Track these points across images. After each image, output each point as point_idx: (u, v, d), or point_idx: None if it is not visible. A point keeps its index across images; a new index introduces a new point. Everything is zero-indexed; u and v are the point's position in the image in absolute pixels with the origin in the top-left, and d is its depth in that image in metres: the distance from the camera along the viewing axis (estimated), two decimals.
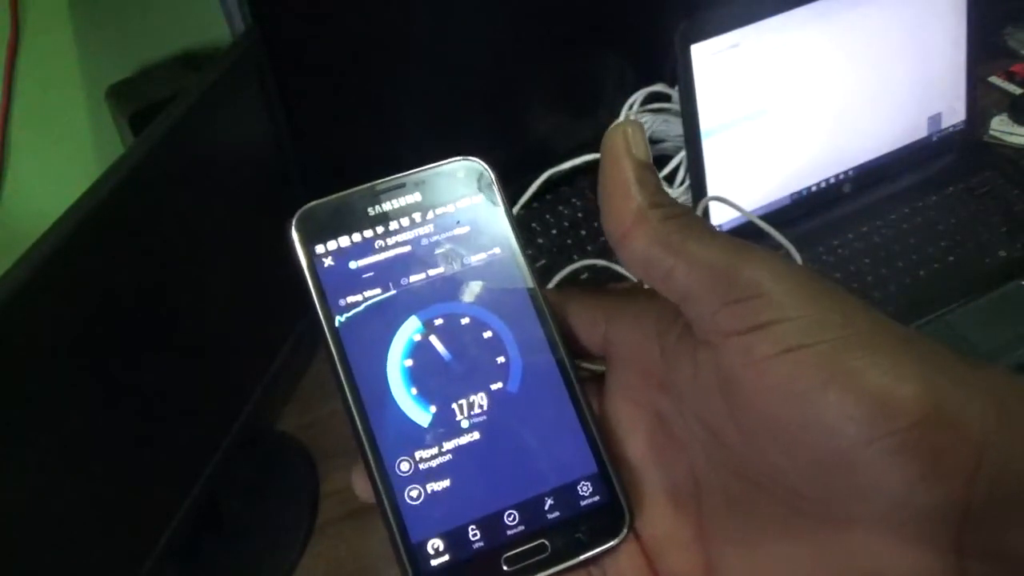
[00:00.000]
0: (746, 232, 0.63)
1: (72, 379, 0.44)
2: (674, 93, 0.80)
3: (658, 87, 0.81)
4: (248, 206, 0.59)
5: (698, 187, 0.71)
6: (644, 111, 0.81)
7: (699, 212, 0.68)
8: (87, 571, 0.48)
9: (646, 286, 0.24)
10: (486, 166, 0.27)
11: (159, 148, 0.48)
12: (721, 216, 0.71)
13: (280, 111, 0.61)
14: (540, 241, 0.78)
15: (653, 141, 0.82)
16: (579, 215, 0.80)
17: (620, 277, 0.72)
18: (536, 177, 0.78)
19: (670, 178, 0.78)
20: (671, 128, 0.81)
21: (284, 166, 0.62)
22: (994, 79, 0.90)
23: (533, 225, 0.80)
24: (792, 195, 0.75)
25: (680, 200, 0.74)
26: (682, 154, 0.76)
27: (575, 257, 0.76)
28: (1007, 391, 0.19)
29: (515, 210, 0.79)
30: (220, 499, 0.63)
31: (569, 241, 0.78)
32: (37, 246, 0.41)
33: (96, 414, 0.46)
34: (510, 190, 0.78)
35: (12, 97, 0.69)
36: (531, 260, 0.27)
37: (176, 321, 0.52)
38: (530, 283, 0.26)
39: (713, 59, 0.68)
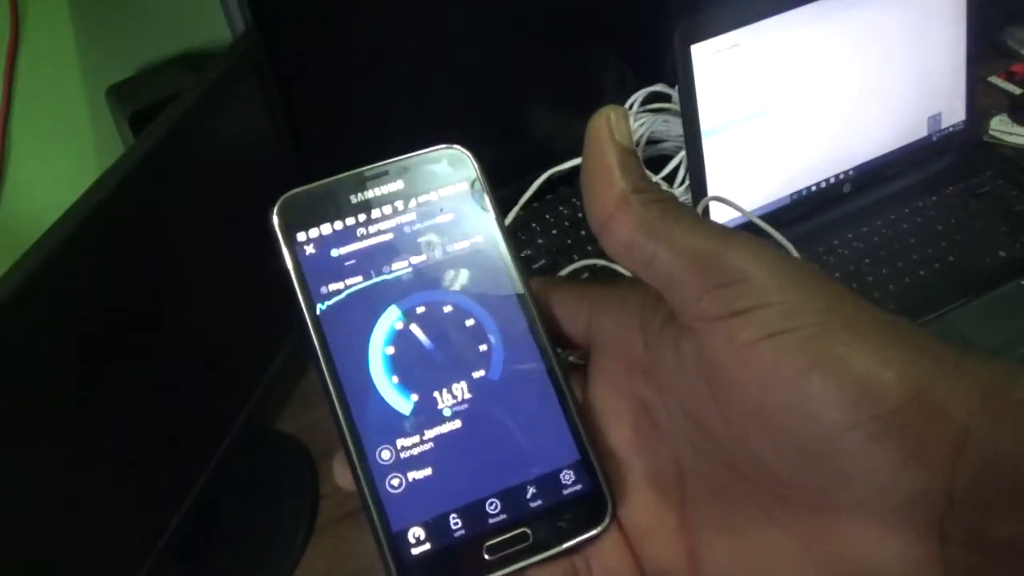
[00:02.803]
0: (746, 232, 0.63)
1: (72, 379, 0.44)
2: (674, 93, 0.80)
3: (658, 87, 0.81)
4: (248, 205, 0.59)
5: (698, 187, 0.71)
6: (644, 111, 0.81)
7: (699, 212, 0.68)
8: (87, 571, 0.48)
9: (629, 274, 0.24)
10: (470, 154, 0.27)
11: (159, 148, 0.48)
12: (721, 216, 0.71)
13: (280, 111, 0.61)
14: (540, 241, 0.78)
15: (653, 141, 0.82)
16: (579, 215, 0.80)
17: (620, 278, 0.72)
18: (536, 177, 0.78)
19: (670, 178, 0.78)
20: (671, 128, 0.81)
21: (284, 166, 0.62)
22: (994, 79, 0.90)
23: (533, 225, 0.80)
24: (792, 195, 0.75)
25: (680, 200, 0.74)
26: (682, 154, 0.76)
27: (575, 257, 0.76)
28: (991, 377, 0.19)
29: (515, 210, 0.79)
30: (220, 499, 0.63)
31: (569, 241, 0.78)
32: (37, 246, 0.41)
33: (96, 414, 0.46)
34: (510, 190, 0.79)
35: (12, 97, 0.69)
36: (515, 248, 0.27)
37: (176, 320, 0.52)
38: (513, 271, 0.26)
39: (713, 59, 0.68)
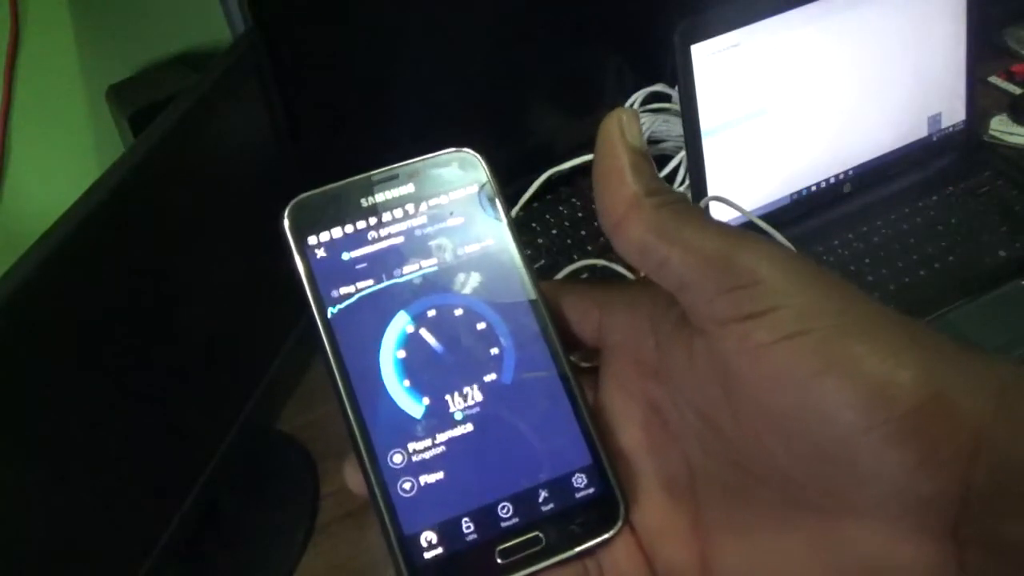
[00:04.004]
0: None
1: (72, 379, 0.44)
2: (674, 93, 0.80)
3: (658, 87, 0.81)
4: (248, 206, 0.59)
5: (698, 187, 0.71)
6: (644, 111, 0.81)
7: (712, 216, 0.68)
8: (87, 571, 0.48)
9: (641, 275, 0.24)
10: (480, 157, 0.27)
11: (159, 148, 0.48)
12: (721, 216, 0.71)
13: (280, 111, 0.61)
14: (540, 241, 0.78)
15: (653, 141, 0.82)
16: (579, 215, 0.80)
17: (621, 278, 0.72)
18: (536, 177, 0.78)
19: (670, 178, 0.78)
20: (671, 128, 0.81)
21: (284, 166, 0.62)
22: (994, 79, 0.90)
23: (533, 225, 0.80)
24: (792, 195, 0.75)
25: None
26: (682, 154, 0.76)
27: (575, 257, 0.76)
28: (1006, 379, 0.19)
29: (515, 210, 0.79)
30: (220, 499, 0.63)
31: (569, 241, 0.78)
32: (37, 246, 0.41)
33: (96, 414, 0.46)
34: (510, 190, 0.79)
35: (12, 97, 0.69)
36: (525, 251, 0.27)
37: (176, 321, 0.52)
38: (524, 274, 0.26)
39: (713, 59, 0.68)
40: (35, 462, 0.43)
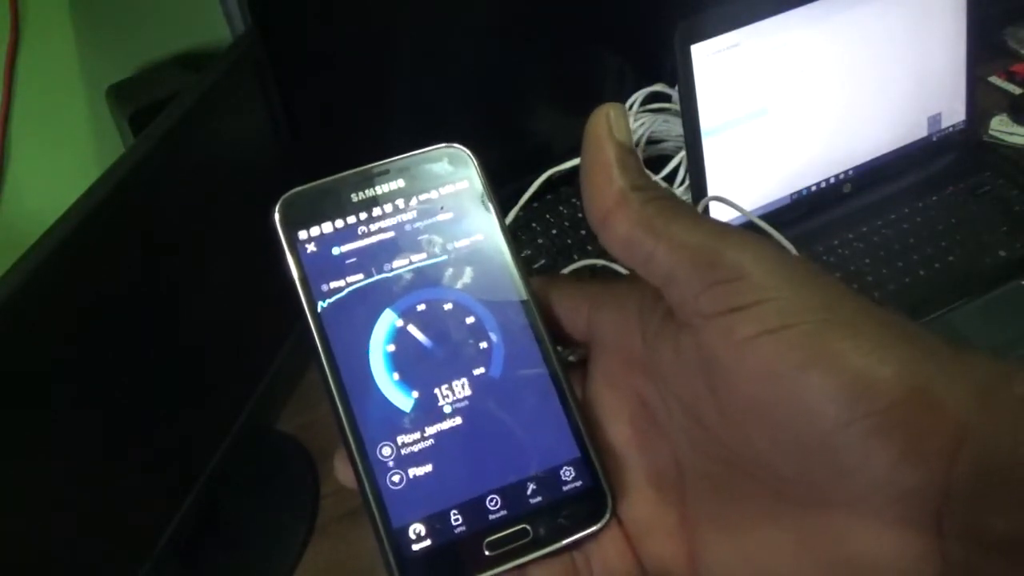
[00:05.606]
0: None
1: (72, 379, 0.44)
2: (674, 93, 0.80)
3: (658, 87, 0.81)
4: (248, 205, 0.59)
5: (698, 187, 0.71)
6: (644, 111, 0.81)
7: (699, 211, 0.68)
8: (87, 571, 0.48)
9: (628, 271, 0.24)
10: (470, 153, 0.27)
11: (159, 148, 0.48)
12: (721, 216, 0.71)
13: (280, 111, 0.61)
14: (540, 241, 0.78)
15: (653, 141, 0.82)
16: (579, 215, 0.80)
17: (620, 277, 0.72)
18: (536, 177, 0.78)
19: (670, 178, 0.78)
20: (671, 128, 0.81)
21: (284, 166, 0.62)
22: (994, 79, 0.90)
23: (533, 225, 0.80)
24: (792, 195, 0.75)
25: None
26: (682, 154, 0.76)
27: (575, 257, 0.76)
28: (990, 373, 0.19)
29: (515, 210, 0.79)
30: (220, 499, 0.63)
31: (569, 241, 0.78)
32: (37, 246, 0.41)
33: (96, 414, 0.46)
34: (510, 190, 0.79)
35: (12, 97, 0.69)
36: (515, 246, 0.27)
37: (176, 321, 0.52)
38: (513, 269, 0.26)
39: (713, 59, 0.68)
40: (35, 462, 0.43)
